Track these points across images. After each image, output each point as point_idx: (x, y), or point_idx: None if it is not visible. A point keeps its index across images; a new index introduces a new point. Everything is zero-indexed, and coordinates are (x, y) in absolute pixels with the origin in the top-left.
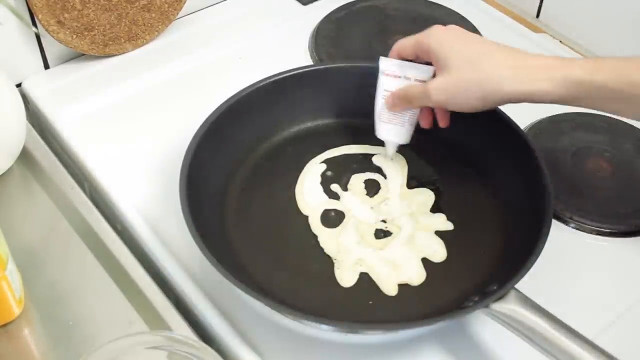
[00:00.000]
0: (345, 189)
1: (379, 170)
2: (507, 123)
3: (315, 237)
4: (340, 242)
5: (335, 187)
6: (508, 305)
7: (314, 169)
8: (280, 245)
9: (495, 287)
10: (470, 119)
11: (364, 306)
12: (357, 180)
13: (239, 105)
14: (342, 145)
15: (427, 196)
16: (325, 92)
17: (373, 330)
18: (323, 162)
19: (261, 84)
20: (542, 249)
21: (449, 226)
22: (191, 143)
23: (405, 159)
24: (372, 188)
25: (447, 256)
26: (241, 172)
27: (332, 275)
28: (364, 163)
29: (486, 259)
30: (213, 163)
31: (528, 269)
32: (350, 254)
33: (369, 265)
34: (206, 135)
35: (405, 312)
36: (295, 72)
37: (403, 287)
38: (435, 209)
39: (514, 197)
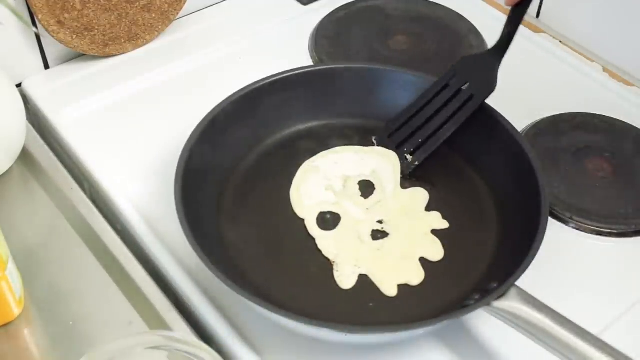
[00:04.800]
0: (339, 190)
1: (373, 171)
2: (499, 122)
3: (312, 240)
4: (338, 244)
5: (329, 189)
6: (510, 302)
7: (308, 171)
8: (279, 250)
9: (495, 285)
10: (473, 126)
11: (365, 308)
12: (352, 182)
13: (234, 107)
14: (336, 146)
15: (421, 195)
16: (321, 93)
17: (375, 333)
18: (316, 164)
19: (257, 86)
20: (540, 244)
21: (444, 224)
22: (185, 146)
23: (399, 158)
24: (367, 189)
25: (445, 255)
26: (236, 175)
27: (331, 277)
28: (358, 164)
29: (484, 257)
30: (208, 166)
31: (528, 265)
32: (348, 256)
33: (367, 267)
34: (199, 140)
35: (406, 312)
36: (291, 73)
37: (403, 288)
38: (430, 207)
39: (509, 195)
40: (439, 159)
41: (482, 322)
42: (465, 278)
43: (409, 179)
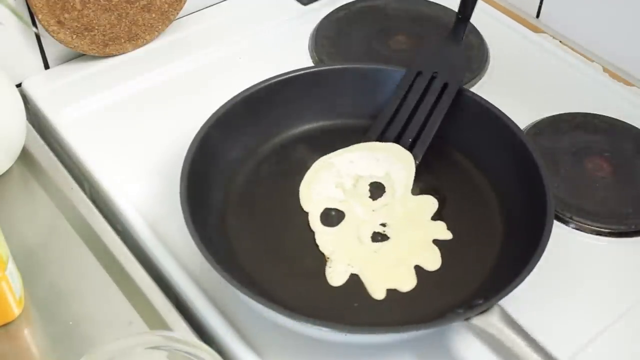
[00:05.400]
0: (349, 189)
1: (386, 173)
2: (517, 137)
3: (312, 233)
4: (336, 241)
5: (339, 186)
6: (489, 321)
7: (322, 167)
8: (277, 240)
9: (480, 301)
10: (480, 129)
11: (349, 307)
12: (363, 182)
13: (242, 106)
14: (352, 144)
15: (430, 204)
16: (327, 93)
17: (338, 331)
18: (332, 161)
19: (266, 84)
20: (531, 270)
21: (447, 235)
22: (193, 142)
23: (422, 168)
24: (377, 191)
25: (441, 265)
26: (242, 173)
27: (322, 273)
28: (373, 165)
29: (480, 272)
30: (216, 162)
31: (514, 287)
32: (343, 254)
33: (360, 267)
34: (204, 139)
35: (389, 317)
36: (298, 73)
37: (391, 292)
38: (436, 216)
39: (517, 213)
40: (455, 169)
41: (467, 340)
42: (458, 291)
43: (420, 185)
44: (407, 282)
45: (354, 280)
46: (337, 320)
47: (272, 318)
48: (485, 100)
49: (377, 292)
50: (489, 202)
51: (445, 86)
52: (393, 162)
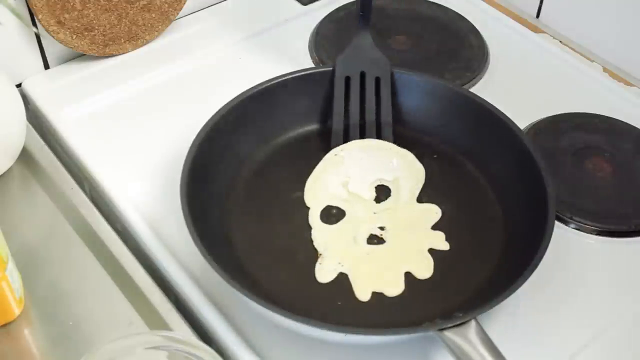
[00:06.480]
0: (354, 189)
1: (395, 178)
2: (532, 159)
3: (310, 229)
4: (331, 239)
5: (345, 185)
6: (463, 335)
7: (332, 163)
8: (274, 232)
9: (460, 314)
10: (496, 145)
11: (332, 305)
12: (370, 184)
13: (244, 107)
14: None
15: (433, 213)
16: (331, 93)
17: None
18: (343, 154)
19: (267, 84)
20: (516, 289)
21: (445, 246)
22: (195, 139)
23: (426, 172)
24: (382, 194)
25: (433, 275)
26: (248, 167)
27: (312, 268)
28: (384, 167)
29: (471, 286)
30: (217, 162)
31: (493, 305)
32: (336, 252)
33: (349, 267)
34: (208, 138)
35: (368, 320)
36: (304, 72)
37: (377, 296)
38: (437, 226)
39: (518, 238)
40: (460, 175)
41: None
42: (444, 303)
43: (427, 192)
44: (394, 287)
45: (343, 279)
46: (313, 315)
47: (255, 308)
48: (488, 102)
49: (362, 294)
50: (495, 218)
51: (378, 79)
52: (404, 170)
